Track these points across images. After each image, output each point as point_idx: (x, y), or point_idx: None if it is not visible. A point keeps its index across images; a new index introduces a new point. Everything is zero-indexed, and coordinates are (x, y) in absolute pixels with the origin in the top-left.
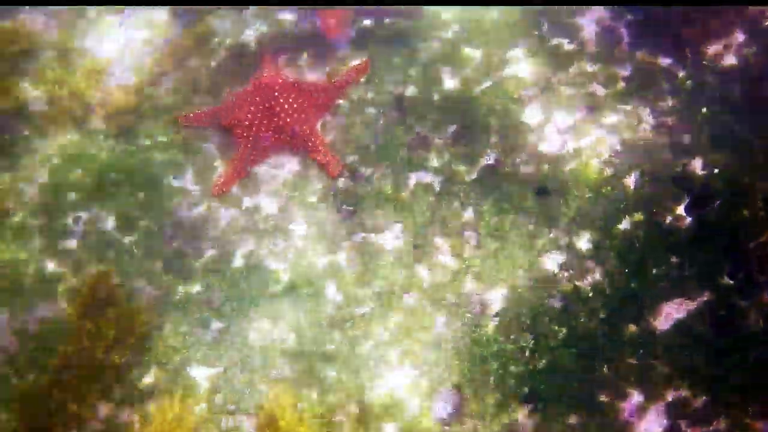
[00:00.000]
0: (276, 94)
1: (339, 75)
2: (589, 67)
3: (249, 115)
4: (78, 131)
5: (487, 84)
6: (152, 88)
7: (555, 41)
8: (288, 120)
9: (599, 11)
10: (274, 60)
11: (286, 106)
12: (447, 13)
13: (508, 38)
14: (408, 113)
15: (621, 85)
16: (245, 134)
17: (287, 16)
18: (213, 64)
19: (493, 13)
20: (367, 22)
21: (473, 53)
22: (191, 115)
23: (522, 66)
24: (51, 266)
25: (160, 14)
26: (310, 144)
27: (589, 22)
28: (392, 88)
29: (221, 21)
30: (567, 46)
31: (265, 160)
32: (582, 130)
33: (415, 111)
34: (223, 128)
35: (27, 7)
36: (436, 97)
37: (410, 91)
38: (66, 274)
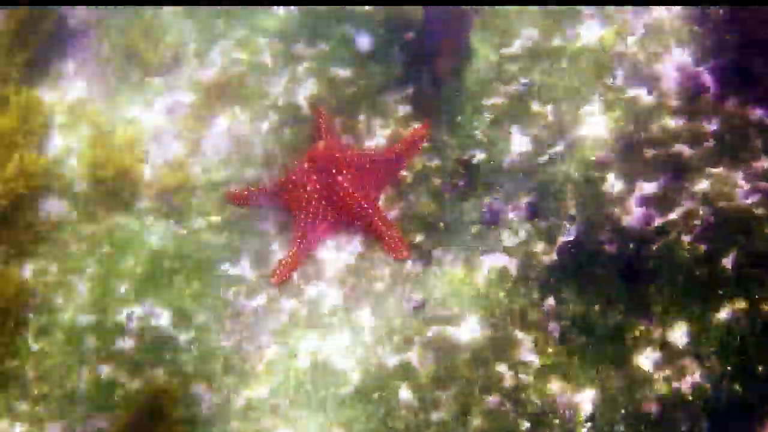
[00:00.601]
0: (334, 170)
1: (399, 143)
2: (672, 123)
3: (305, 194)
4: (126, 213)
5: (561, 146)
6: (202, 159)
7: (632, 92)
8: (348, 199)
9: (680, 56)
10: (329, 124)
11: (345, 184)
12: (513, 64)
13: (580, 89)
14: (477, 183)
15: (709, 143)
16: (303, 214)
17: (340, 72)
18: (264, 129)
19: (563, 62)
20: None
21: (543, 109)
22: (241, 192)
23: (598, 123)
24: (106, 370)
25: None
26: (373, 224)
27: (670, 68)
28: (458, 153)
29: (268, 78)
30: (646, 98)
31: (325, 241)
32: (669, 200)
33: (485, 179)
34: (276, 207)
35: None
36: (506, 162)
37: (477, 156)
38: (122, 380)
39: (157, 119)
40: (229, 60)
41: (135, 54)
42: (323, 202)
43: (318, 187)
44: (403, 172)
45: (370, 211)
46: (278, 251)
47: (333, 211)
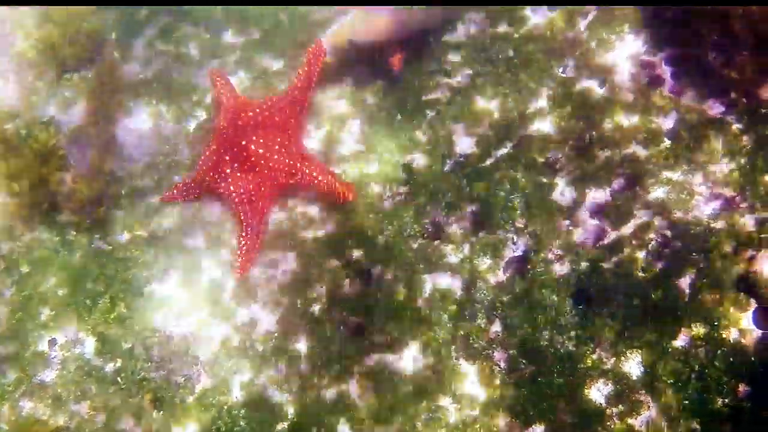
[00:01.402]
0: (244, 142)
1: (299, 72)
2: (626, 120)
3: (229, 177)
4: (46, 228)
5: (508, 147)
6: (126, 165)
7: (583, 84)
8: (271, 164)
9: (634, 43)
10: (227, 86)
11: (260, 150)
12: (455, 54)
13: (528, 82)
14: (418, 191)
15: (665, 143)
16: (236, 198)
17: (272, 63)
18: (191, 128)
19: (508, 51)
20: None
21: (488, 104)
22: (172, 192)
23: (546, 120)
24: (28, 406)
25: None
26: (306, 177)
27: (623, 57)
28: (397, 157)
29: (195, 71)
30: (598, 90)
31: (269, 214)
32: (622, 211)
33: (426, 187)
34: (212, 194)
35: None
36: (448, 166)
37: (418, 160)
38: (44, 416)
39: (77, 120)
40: (153, 52)
41: (51, 48)
42: (250, 178)
43: (236, 165)
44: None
45: (298, 165)
46: (209, 268)
47: (263, 181)
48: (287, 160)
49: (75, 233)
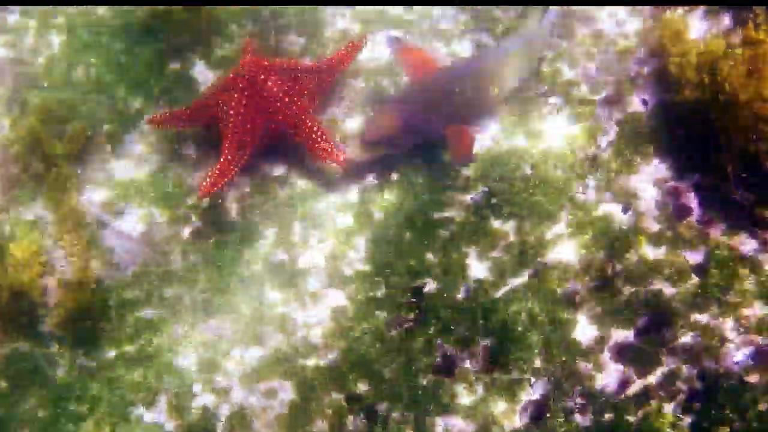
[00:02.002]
0: (262, 76)
1: (334, 55)
2: (651, 252)
3: (233, 104)
4: (26, 340)
5: (524, 276)
6: (115, 273)
7: (605, 209)
8: (278, 104)
9: (660, 166)
10: (255, 47)
11: (275, 89)
12: (468, 168)
13: (546, 203)
14: (429, 319)
15: (693, 281)
16: (231, 124)
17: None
18: (185, 235)
19: (525, 167)
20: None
21: (504, 226)
22: (163, 115)
23: (566, 247)
24: None
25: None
26: (305, 129)
27: (648, 180)
28: (407, 281)
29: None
30: (621, 217)
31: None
32: (648, 356)
33: (438, 316)
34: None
35: None
36: (461, 294)
37: (429, 285)
38: None
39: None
40: (148, 148)
41: (37, 141)
42: (252, 111)
43: (246, 94)
44: (344, 302)
45: (302, 116)
46: (200, 394)
47: (262, 118)
48: (297, 111)
49: (58, 347)
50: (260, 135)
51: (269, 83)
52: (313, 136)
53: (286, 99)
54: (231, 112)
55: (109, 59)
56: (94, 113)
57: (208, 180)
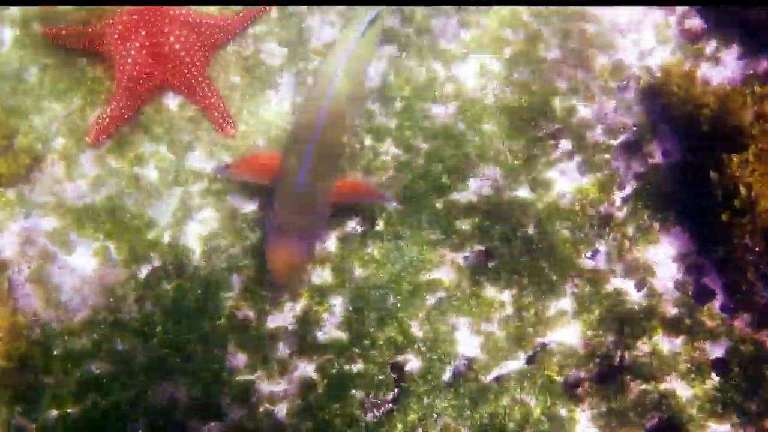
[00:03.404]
0: (167, 27)
1: (241, 11)
2: (667, 344)
3: (133, 53)
4: None
5: (521, 360)
6: (61, 315)
7: (616, 284)
8: (178, 62)
9: (681, 236)
10: None
11: (177, 46)
12: (464, 221)
13: (549, 272)
14: (408, 403)
15: (713, 381)
16: (126, 67)
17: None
18: (142, 276)
19: (528, 225)
20: None
21: (499, 294)
22: (58, 30)
23: (569, 328)
24: None
25: None
26: (199, 91)
27: (666, 257)
28: (386, 356)
29: (154, 203)
30: (633, 296)
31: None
32: None
33: (419, 400)
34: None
35: None
36: (447, 374)
37: (412, 363)
38: None
39: (7, 251)
40: (104, 170)
41: None
42: (149, 64)
43: (147, 45)
44: (314, 375)
45: (200, 78)
46: None
47: (159, 69)
48: (195, 72)
49: None
50: (154, 87)
51: (171, 38)
52: (207, 101)
53: (186, 58)
54: (129, 60)
55: (68, 61)
56: (47, 125)
57: (97, 127)
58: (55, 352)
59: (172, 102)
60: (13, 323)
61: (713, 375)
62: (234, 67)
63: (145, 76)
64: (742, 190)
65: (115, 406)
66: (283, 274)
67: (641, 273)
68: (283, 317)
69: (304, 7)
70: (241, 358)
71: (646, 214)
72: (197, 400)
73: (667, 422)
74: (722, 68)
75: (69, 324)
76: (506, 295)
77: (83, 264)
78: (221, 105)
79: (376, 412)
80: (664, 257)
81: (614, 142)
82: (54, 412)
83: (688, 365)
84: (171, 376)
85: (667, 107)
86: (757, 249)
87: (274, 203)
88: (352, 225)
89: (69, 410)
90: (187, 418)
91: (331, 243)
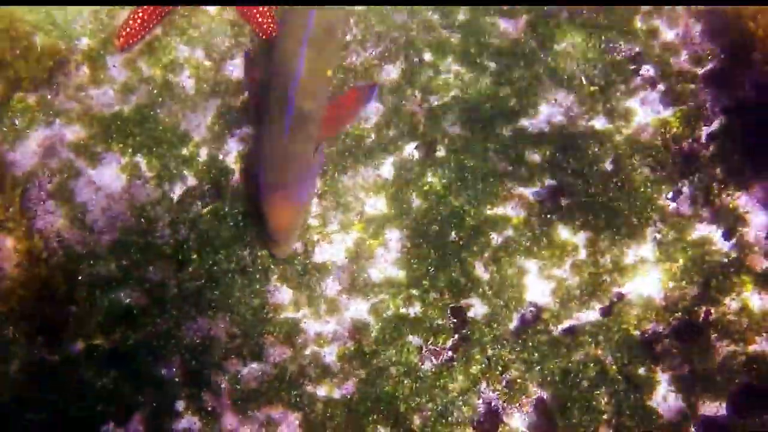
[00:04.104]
0: None
1: None
2: (757, 301)
3: None
4: None
5: (596, 310)
6: (85, 238)
7: (702, 231)
8: None
9: None
10: None
11: None
12: (533, 151)
13: (627, 214)
14: (470, 353)
15: None
16: None
17: None
18: (175, 196)
19: (605, 161)
20: None
21: (572, 237)
22: (125, 27)
23: (649, 276)
24: None
25: None
26: None
27: (759, 204)
28: (447, 299)
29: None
30: (720, 244)
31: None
32: None
33: (482, 349)
34: None
35: None
36: (514, 322)
37: (476, 307)
38: None
39: (26, 162)
40: (134, 75)
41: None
42: None
43: None
44: (368, 317)
45: None
46: (183, 415)
47: None
48: None
49: (12, 333)
50: None
51: None
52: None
53: None
54: None
55: None
56: (69, 23)
57: (126, 28)
58: (79, 278)
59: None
60: (30, 247)
61: None
62: None
63: None
64: None
65: (145, 341)
66: (286, 234)
67: (730, 220)
68: (333, 249)
69: None
70: (285, 294)
71: (736, 154)
72: (236, 338)
73: (755, 389)
74: None
75: (95, 247)
76: (580, 238)
77: (111, 180)
78: (263, 6)
79: (434, 360)
80: (756, 205)
81: (700, 71)
82: (79, 345)
83: None
84: (207, 310)
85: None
86: None
87: (262, 156)
88: (409, 149)
89: (96, 342)
90: (224, 357)
91: (386, 169)
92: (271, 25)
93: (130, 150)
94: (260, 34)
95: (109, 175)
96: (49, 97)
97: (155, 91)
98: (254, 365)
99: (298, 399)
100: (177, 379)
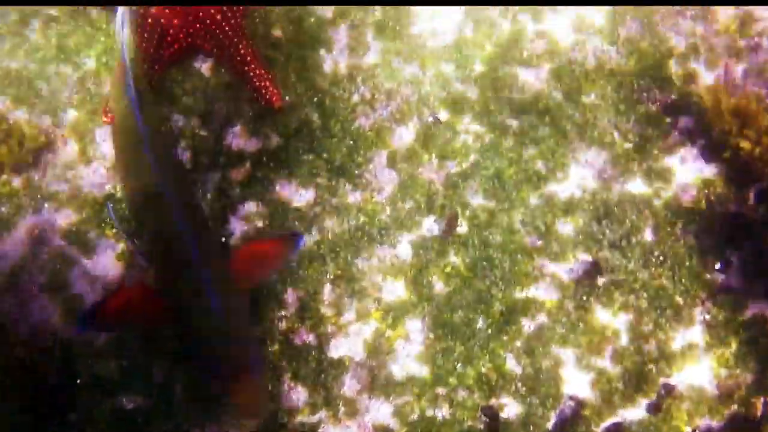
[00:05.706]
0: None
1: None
2: None
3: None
4: None
5: (641, 408)
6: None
7: (756, 308)
8: (214, 26)
9: None
10: None
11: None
12: (566, 222)
13: (673, 293)
14: None
15: None
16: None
17: None
18: None
19: (647, 232)
20: None
21: (614, 322)
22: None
23: (698, 364)
24: None
25: None
26: (241, 57)
27: None
28: (476, 397)
29: None
30: None
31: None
32: None
33: None
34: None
35: None
36: (552, 423)
37: (508, 406)
38: None
39: (16, 255)
40: None
41: None
42: (189, 17)
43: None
44: (391, 421)
45: (240, 42)
46: None
47: (181, 18)
48: (227, 29)
49: None
50: (179, 47)
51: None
52: (244, 64)
53: (218, 15)
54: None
55: (77, 12)
56: (55, 93)
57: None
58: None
59: (203, 65)
60: None
61: None
62: (277, 17)
63: (167, 28)
64: None
65: None
66: (255, 407)
67: None
68: (349, 343)
69: None
70: (300, 394)
71: None
72: None
73: None
74: None
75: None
76: (620, 321)
77: (107, 269)
78: (264, 74)
79: None
80: None
81: None
82: None
83: None
84: (217, 414)
85: None
86: None
87: (199, 344)
88: (428, 224)
89: None
90: None
91: (403, 248)
92: (273, 90)
93: (124, 235)
94: (260, 101)
95: (105, 263)
96: (36, 177)
97: None
98: None
99: None
100: None
